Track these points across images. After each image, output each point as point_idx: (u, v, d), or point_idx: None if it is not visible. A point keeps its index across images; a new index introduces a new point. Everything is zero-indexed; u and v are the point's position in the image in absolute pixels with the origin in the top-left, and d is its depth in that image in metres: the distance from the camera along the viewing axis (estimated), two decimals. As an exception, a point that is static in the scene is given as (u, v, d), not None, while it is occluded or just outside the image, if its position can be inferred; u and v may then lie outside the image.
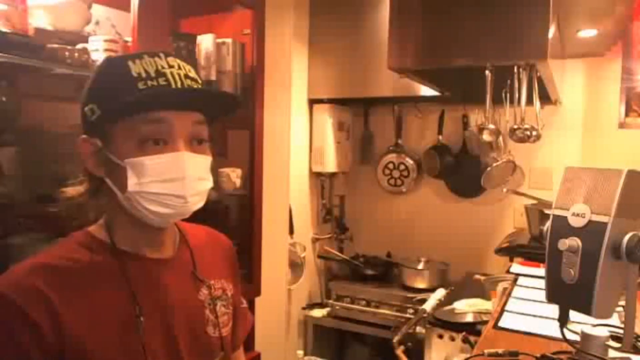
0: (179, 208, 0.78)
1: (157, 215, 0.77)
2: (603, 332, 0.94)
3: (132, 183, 0.75)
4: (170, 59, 0.78)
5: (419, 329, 1.97)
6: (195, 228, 0.96)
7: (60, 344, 0.70)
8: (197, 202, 0.81)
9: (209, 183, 0.82)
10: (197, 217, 0.85)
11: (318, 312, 2.76)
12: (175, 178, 0.76)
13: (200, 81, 0.81)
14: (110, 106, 0.75)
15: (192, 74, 0.80)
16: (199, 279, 0.89)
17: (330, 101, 2.78)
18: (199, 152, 0.79)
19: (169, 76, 0.76)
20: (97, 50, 1.45)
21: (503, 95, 1.99)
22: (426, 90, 2.43)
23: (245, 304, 1.03)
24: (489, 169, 2.37)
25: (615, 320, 1.06)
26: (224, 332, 0.91)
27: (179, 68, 0.78)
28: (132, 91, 0.74)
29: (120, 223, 0.81)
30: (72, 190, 0.83)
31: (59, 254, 0.77)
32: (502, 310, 1.45)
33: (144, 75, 0.75)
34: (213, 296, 0.91)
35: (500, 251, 2.26)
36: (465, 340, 1.74)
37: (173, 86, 0.76)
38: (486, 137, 2.04)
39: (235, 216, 2.12)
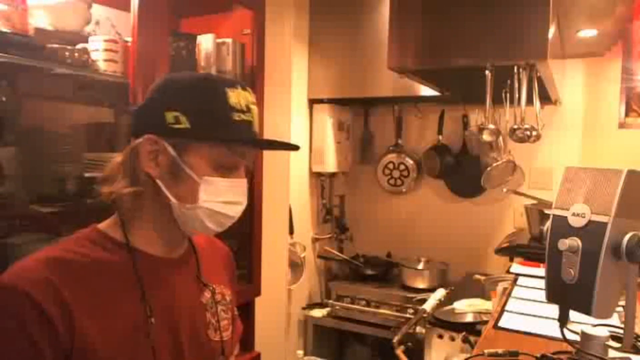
0: (224, 227, 0.83)
1: (207, 230, 0.82)
2: (603, 332, 0.94)
3: (203, 198, 0.79)
4: (249, 94, 0.82)
5: (419, 329, 1.97)
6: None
7: (71, 340, 0.69)
8: None
9: None
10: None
11: (318, 312, 2.76)
12: (236, 202, 0.83)
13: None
14: (206, 126, 0.77)
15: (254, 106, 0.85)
16: (203, 282, 0.90)
17: (330, 101, 2.78)
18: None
19: (253, 112, 0.82)
20: (97, 50, 1.45)
21: (503, 95, 1.99)
22: (426, 90, 2.43)
23: (235, 311, 1.04)
24: (489, 169, 2.37)
25: (615, 320, 1.06)
26: (224, 336, 0.91)
27: (253, 103, 0.83)
28: (228, 120, 0.78)
29: (141, 223, 0.82)
30: (113, 187, 0.81)
31: (72, 248, 0.76)
32: (502, 310, 1.45)
33: (237, 107, 0.79)
34: (215, 300, 0.91)
35: (500, 251, 2.26)
36: (465, 340, 1.74)
37: (255, 124, 0.83)
38: (486, 137, 2.04)
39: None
